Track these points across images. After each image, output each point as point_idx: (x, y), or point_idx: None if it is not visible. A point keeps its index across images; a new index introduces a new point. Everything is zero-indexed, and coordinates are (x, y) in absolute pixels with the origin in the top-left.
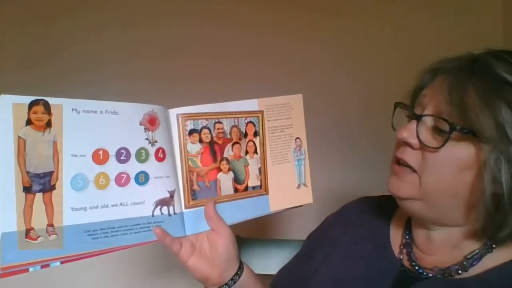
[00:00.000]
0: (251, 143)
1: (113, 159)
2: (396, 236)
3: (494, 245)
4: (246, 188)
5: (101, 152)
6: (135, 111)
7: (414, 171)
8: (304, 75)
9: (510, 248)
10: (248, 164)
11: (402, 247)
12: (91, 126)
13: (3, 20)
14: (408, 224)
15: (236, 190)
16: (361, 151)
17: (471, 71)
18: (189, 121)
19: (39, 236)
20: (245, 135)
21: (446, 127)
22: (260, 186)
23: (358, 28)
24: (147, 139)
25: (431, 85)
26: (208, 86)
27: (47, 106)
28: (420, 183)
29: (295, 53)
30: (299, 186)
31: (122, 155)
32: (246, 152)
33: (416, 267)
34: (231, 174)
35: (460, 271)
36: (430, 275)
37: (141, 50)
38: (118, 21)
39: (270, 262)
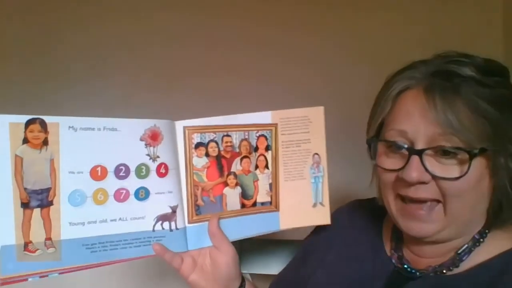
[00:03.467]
0: (262, 158)
1: (112, 175)
2: (388, 238)
3: (481, 239)
4: (254, 204)
5: (99, 168)
6: (136, 127)
7: (436, 201)
8: (307, 71)
9: (496, 243)
10: (257, 179)
11: (392, 250)
12: (88, 143)
13: (2, 12)
14: (396, 228)
15: (243, 206)
16: (363, 150)
17: (452, 85)
18: (195, 134)
19: (37, 249)
20: (256, 149)
21: (456, 152)
22: (270, 203)
23: (360, 24)
24: (148, 154)
25: (406, 109)
26: (211, 81)
27: (43, 124)
28: (445, 212)
29: (300, 47)
30: (315, 205)
31: (121, 172)
32: (256, 167)
33: (408, 269)
34: (238, 189)
35: (451, 267)
36: (423, 274)
37: (145, 41)
38: (121, 12)
39: (270, 262)
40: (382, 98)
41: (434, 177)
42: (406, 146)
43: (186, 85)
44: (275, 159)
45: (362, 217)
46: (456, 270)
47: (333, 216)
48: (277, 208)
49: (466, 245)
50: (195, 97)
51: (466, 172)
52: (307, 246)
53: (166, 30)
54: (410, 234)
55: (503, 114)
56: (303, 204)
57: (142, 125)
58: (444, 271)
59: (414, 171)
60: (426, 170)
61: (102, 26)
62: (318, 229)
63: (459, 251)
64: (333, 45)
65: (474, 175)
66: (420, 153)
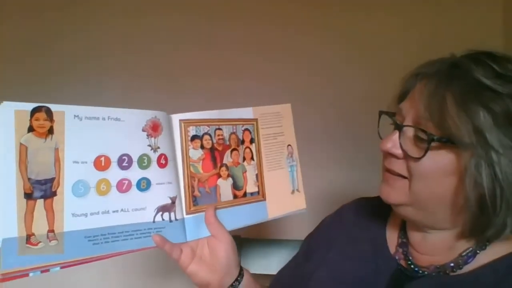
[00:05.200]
0: (248, 150)
1: (115, 165)
2: (392, 236)
3: (487, 242)
4: (244, 194)
5: (102, 158)
6: (138, 117)
7: (404, 177)
8: (308, 71)
9: (502, 245)
10: (246, 171)
11: (398, 247)
12: (93, 132)
13: (1, 10)
14: (404, 225)
15: (235, 196)
16: (364, 150)
17: (450, 77)
18: (191, 127)
19: (39, 242)
20: (242, 142)
21: (426, 137)
22: (258, 192)
23: (363, 25)
24: (149, 145)
25: (412, 91)
26: (209, 80)
27: (49, 112)
28: (410, 189)
29: (299, 48)
30: (293, 192)
31: (124, 162)
32: (244, 159)
33: (412, 266)
34: (230, 180)
35: (455, 269)
36: (426, 273)
37: (141, 43)
38: (119, 12)
39: (270, 262)
40: (405, 81)
41: (404, 153)
42: (397, 121)
43: (184, 85)
44: (258, 151)
45: (366, 214)
46: (459, 271)
47: (337, 213)
48: (264, 198)
49: (471, 248)
50: (193, 96)
51: (423, 156)
52: (310, 243)
53: (164, 30)
54: (381, 197)
55: (498, 125)
56: (284, 192)
57: (144, 116)
58: (447, 272)
59: (389, 142)
60: (401, 145)
61: (102, 26)
62: (321, 226)
63: (463, 254)
64: (332, 46)
65: (437, 164)
66: (400, 128)
